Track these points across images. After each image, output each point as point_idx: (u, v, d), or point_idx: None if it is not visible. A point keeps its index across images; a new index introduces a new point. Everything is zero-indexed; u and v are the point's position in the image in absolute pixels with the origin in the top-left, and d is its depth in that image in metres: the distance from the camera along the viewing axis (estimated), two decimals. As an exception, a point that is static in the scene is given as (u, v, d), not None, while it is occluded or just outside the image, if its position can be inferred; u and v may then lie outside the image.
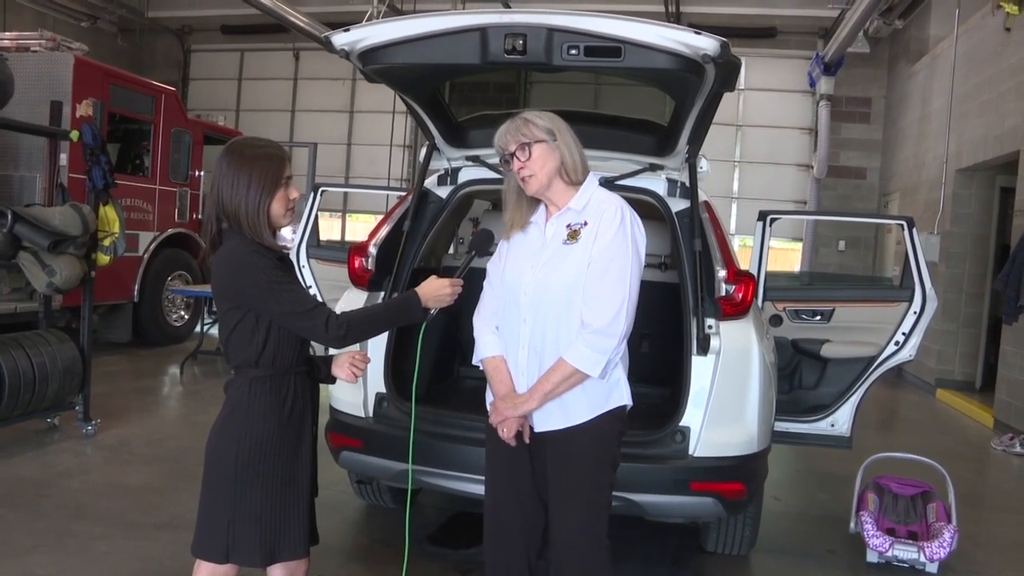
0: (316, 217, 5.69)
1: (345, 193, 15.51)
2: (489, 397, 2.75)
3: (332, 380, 2.57)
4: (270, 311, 2.25)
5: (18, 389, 4.96)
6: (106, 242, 5.51)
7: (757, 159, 14.43)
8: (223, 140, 11.37)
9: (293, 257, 5.48)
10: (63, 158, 7.08)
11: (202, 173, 10.27)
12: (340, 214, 16.14)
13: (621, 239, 2.51)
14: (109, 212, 5.49)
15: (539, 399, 2.54)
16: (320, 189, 5.76)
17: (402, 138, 15.35)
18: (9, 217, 4.95)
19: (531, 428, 2.62)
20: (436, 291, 2.50)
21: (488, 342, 2.71)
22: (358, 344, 2.65)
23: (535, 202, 2.67)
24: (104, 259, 5.56)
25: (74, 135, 5.52)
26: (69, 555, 3.78)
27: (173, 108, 9.65)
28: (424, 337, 4.38)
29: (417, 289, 2.48)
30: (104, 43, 14.92)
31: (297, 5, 12.50)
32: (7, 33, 8.89)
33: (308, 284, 5.26)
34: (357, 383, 3.76)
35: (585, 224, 2.55)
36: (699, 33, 2.78)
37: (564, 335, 2.52)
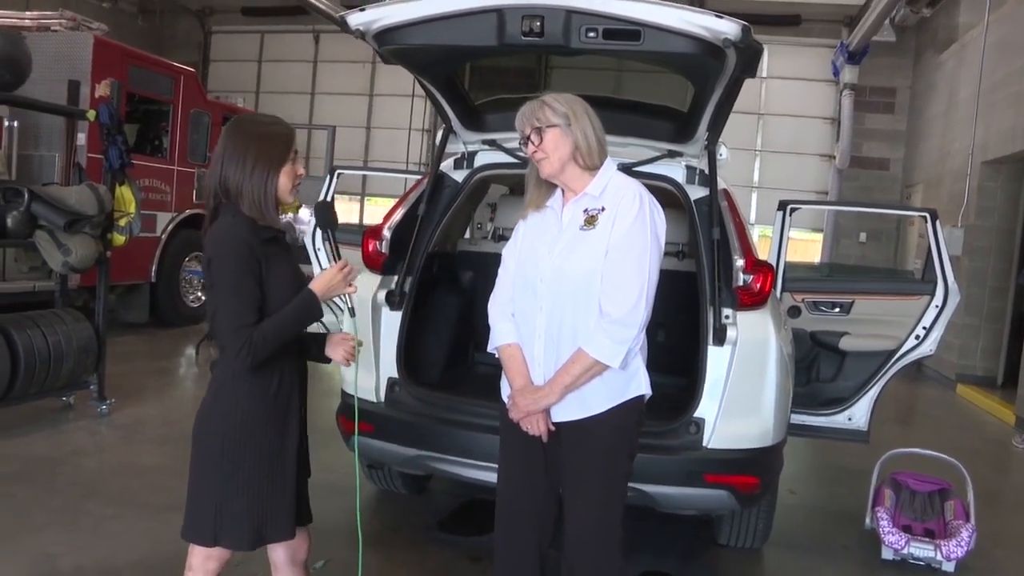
0: (332, 199, 5.67)
1: (364, 176, 15.50)
2: (504, 386, 2.71)
3: (327, 360, 2.52)
4: (212, 298, 2.22)
5: (33, 367, 4.99)
6: (122, 222, 5.52)
7: (779, 148, 14.29)
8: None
9: (308, 240, 5.46)
10: (81, 138, 7.11)
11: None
12: (359, 197, 16.14)
13: (640, 226, 2.46)
14: (125, 192, 5.49)
15: (559, 392, 2.50)
16: (336, 172, 5.74)
17: (421, 122, 15.32)
18: (26, 196, 4.96)
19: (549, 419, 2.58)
20: (328, 282, 2.34)
21: (503, 330, 2.66)
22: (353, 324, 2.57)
23: (553, 186, 2.63)
24: (119, 239, 5.57)
25: (91, 115, 5.52)
26: (81, 533, 3.81)
27: (192, 89, 9.65)
28: (437, 320, 4.40)
29: (311, 284, 2.35)
30: (125, 24, 14.96)
31: (317, -13, 12.46)
32: (28, 12, 8.91)
33: (324, 267, 5.23)
34: (371, 369, 3.77)
35: (603, 210, 2.51)
36: (720, 17, 2.72)
37: (582, 324, 2.48)
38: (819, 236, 13.83)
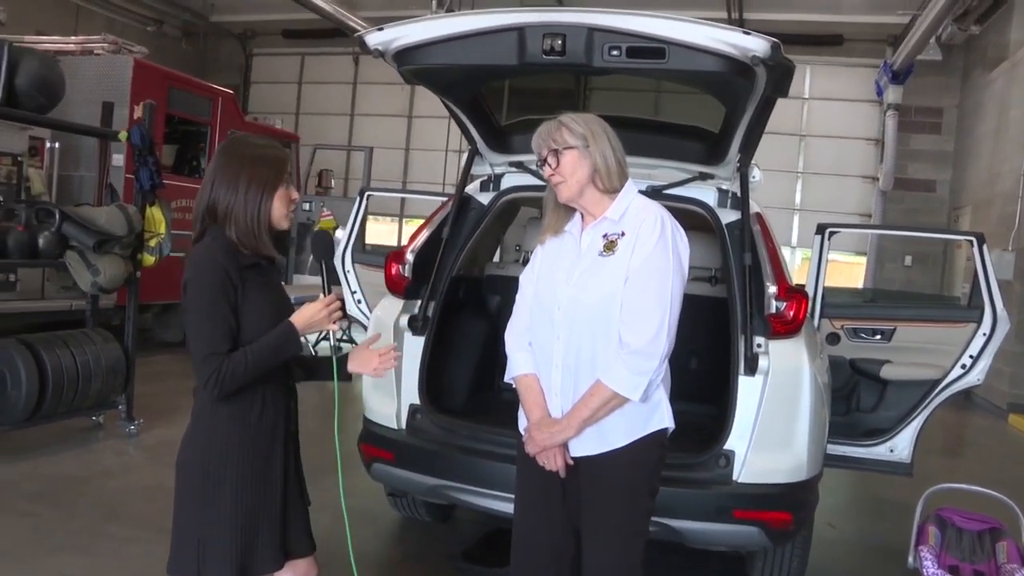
0: (363, 221, 5.62)
1: (403, 199, 15.54)
2: (522, 417, 2.61)
3: (348, 378, 2.41)
4: (186, 324, 2.16)
5: (61, 387, 5.00)
6: (152, 243, 5.54)
7: (821, 170, 14.04)
8: (280, 143, 11.49)
9: (338, 262, 5.43)
10: (118, 159, 7.21)
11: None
12: (397, 219, 16.20)
13: (661, 251, 2.35)
14: (156, 213, 5.52)
15: (577, 426, 2.39)
16: (366, 194, 5.70)
17: (459, 143, 15.34)
18: (57, 216, 5.01)
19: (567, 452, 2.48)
20: (310, 317, 2.25)
21: (520, 359, 2.57)
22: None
23: (572, 209, 2.54)
24: (149, 260, 5.59)
25: (122, 136, 5.57)
26: (99, 557, 3.77)
27: (230, 110, 9.78)
28: (462, 346, 4.31)
29: (292, 317, 2.25)
30: (169, 47, 15.26)
31: (356, 10, 12.55)
32: (72, 37, 9.11)
33: (353, 290, 5.19)
34: (392, 396, 3.69)
35: (622, 235, 2.40)
36: (748, 33, 2.61)
37: (600, 354, 2.37)
38: (863, 259, 13.52)
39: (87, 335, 5.33)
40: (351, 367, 2.40)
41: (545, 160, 2.43)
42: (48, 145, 7.63)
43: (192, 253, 2.21)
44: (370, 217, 15.58)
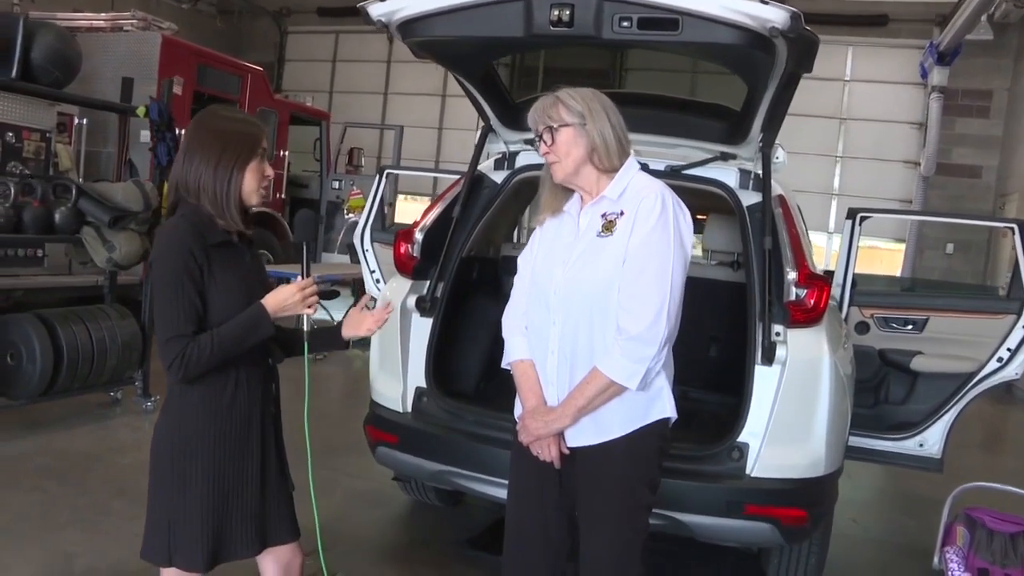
0: (382, 200, 5.53)
1: (435, 178, 15.47)
2: (518, 405, 2.50)
3: (345, 345, 2.36)
4: (154, 305, 2.08)
5: (76, 362, 5.00)
6: (169, 219, 5.50)
7: (861, 154, 13.69)
8: (310, 121, 11.45)
9: (356, 241, 5.36)
10: (144, 135, 7.20)
11: (287, 153, 10.31)
12: (430, 198, 16.16)
13: (661, 231, 2.22)
14: (174, 189, 5.47)
15: (572, 415, 2.28)
16: (386, 172, 5.62)
17: (492, 123, 15.21)
18: (74, 192, 4.99)
19: (563, 442, 2.37)
20: (282, 300, 2.14)
21: (517, 344, 2.47)
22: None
23: (571, 189, 2.41)
24: (167, 236, 5.55)
25: (140, 111, 5.53)
26: (103, 534, 3.75)
27: (260, 88, 9.74)
28: (474, 328, 4.21)
29: (264, 300, 2.15)
30: (203, 24, 15.33)
31: (390, -12, 12.42)
32: (103, 14, 9.13)
33: (372, 269, 5.11)
34: (398, 378, 3.61)
35: (621, 214, 2.28)
36: (766, 3, 2.45)
37: (598, 340, 2.26)
38: (903, 246, 13.16)
39: (103, 311, 5.32)
40: (345, 332, 2.34)
41: (540, 137, 2.31)
42: (76, 121, 7.65)
43: (159, 231, 2.16)
44: (406, 196, 15.47)
